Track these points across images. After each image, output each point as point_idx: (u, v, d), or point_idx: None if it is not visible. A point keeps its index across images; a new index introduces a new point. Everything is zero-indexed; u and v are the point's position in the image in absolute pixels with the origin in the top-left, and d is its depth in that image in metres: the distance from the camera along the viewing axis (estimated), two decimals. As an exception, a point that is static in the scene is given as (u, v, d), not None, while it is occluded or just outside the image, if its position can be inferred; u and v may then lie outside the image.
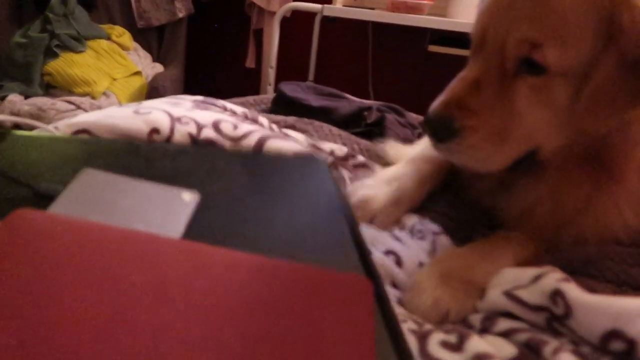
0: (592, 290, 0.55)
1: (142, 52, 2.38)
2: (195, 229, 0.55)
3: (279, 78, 2.17)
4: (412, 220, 0.69)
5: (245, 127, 0.72)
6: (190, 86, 2.52)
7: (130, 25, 2.39)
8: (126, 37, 2.28)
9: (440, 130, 0.60)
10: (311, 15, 2.26)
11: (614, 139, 0.59)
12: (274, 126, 0.85)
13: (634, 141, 0.60)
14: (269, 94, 1.26)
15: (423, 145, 0.81)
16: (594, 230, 0.65)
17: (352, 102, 1.10)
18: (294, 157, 0.77)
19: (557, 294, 0.50)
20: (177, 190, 0.58)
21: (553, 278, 0.52)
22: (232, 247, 0.55)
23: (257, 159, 0.73)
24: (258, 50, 2.59)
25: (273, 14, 2.31)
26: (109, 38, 2.21)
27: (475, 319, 0.55)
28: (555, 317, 0.50)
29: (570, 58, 0.55)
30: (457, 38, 1.90)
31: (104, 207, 0.53)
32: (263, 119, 0.85)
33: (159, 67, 2.38)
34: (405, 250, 0.63)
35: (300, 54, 2.54)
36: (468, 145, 0.59)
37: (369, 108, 1.05)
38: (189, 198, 0.58)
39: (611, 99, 0.54)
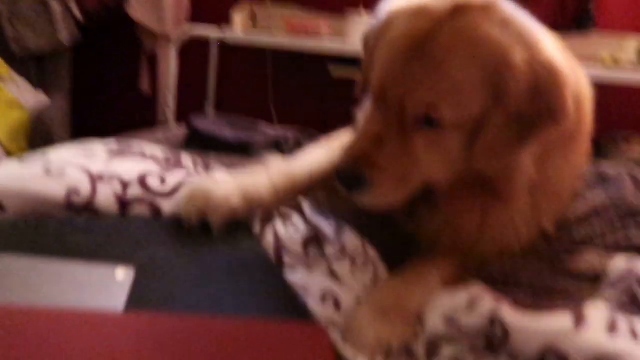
0: (514, 300, 0.60)
1: (22, 82, 2.17)
2: (135, 303, 0.52)
3: (176, 105, 2.11)
4: (353, 242, 0.69)
5: (172, 178, 0.69)
6: (79, 118, 2.34)
7: (3, 52, 2.16)
8: (-2, 64, 2.05)
9: (352, 185, 0.65)
10: (207, 40, 2.23)
11: (501, 169, 0.67)
12: (199, 162, 0.83)
13: (515, 169, 0.68)
14: (174, 129, 1.22)
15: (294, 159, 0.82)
16: (493, 247, 0.73)
17: (266, 133, 1.10)
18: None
19: (494, 319, 0.55)
20: (109, 269, 0.55)
21: (488, 303, 0.57)
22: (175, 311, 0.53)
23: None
24: (151, 77, 2.48)
25: (166, 37, 2.23)
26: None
27: (418, 346, 0.57)
28: (494, 339, 0.54)
29: (463, 114, 0.62)
30: (356, 58, 1.97)
31: (32, 295, 0.48)
32: (187, 160, 0.82)
33: (42, 99, 2.19)
34: (343, 291, 0.63)
35: (196, 80, 2.48)
36: (376, 195, 0.65)
37: (285, 138, 1.06)
38: (123, 276, 0.55)
39: (503, 144, 0.63)
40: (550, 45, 0.65)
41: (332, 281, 0.64)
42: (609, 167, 0.98)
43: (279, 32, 2.11)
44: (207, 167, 0.84)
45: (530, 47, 0.61)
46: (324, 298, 0.61)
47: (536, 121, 0.61)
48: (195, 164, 0.83)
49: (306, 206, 0.74)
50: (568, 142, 0.76)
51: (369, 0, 2.14)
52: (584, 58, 2.02)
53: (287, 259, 0.65)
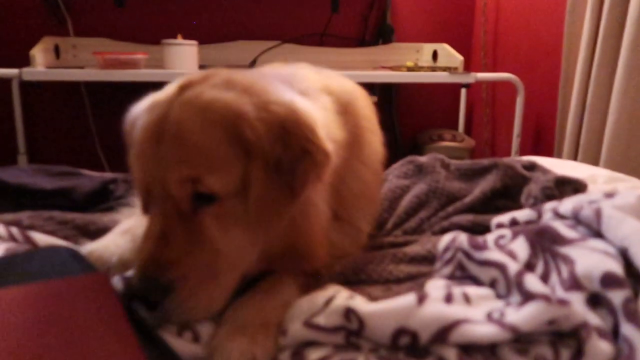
0: (368, 295, 0.64)
1: None
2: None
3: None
4: None
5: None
6: None
7: None
8: None
9: (152, 293, 0.58)
10: (5, 80, 1.98)
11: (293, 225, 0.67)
12: (14, 231, 0.72)
13: (308, 216, 0.69)
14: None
15: None
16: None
17: (92, 177, 1.00)
18: (36, 253, 0.66)
19: (349, 312, 0.56)
20: None
21: (342, 298, 0.59)
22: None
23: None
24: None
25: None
26: None
27: (284, 356, 0.57)
28: (352, 332, 0.56)
29: (229, 180, 0.60)
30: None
31: None
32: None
33: None
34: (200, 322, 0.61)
35: (0, 128, 2.19)
36: (186, 296, 0.58)
37: (114, 180, 0.98)
38: None
39: (273, 200, 0.61)
40: (284, 90, 0.67)
41: None
42: (424, 159, 1.10)
43: (90, 65, 1.97)
44: (24, 232, 0.73)
45: (258, 94, 0.63)
46: (180, 332, 0.58)
47: (295, 165, 0.61)
48: (8, 231, 0.72)
49: None
50: (356, 150, 0.81)
51: (185, 28, 2.14)
52: (391, 65, 2.31)
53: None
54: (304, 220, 0.68)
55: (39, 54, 1.85)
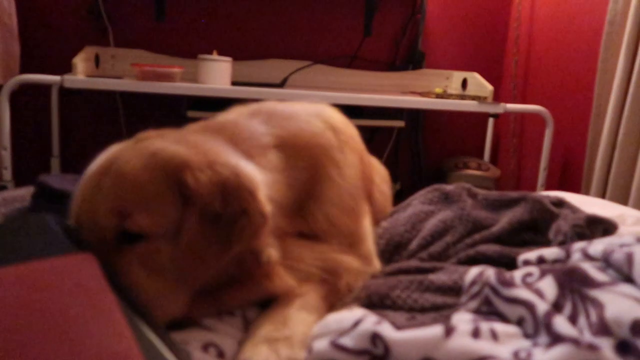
0: (392, 321, 0.64)
1: None
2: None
3: (13, 164, 1.89)
4: None
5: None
6: None
7: None
8: None
9: None
10: (45, 86, 2.05)
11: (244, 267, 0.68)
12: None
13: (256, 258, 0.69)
14: (15, 190, 1.09)
15: None
16: None
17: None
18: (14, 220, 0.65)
19: (375, 337, 0.58)
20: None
21: (370, 322, 0.60)
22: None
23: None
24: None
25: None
26: None
27: None
28: (376, 357, 0.57)
29: (161, 222, 0.61)
30: (213, 102, 1.98)
31: None
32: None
33: None
34: (222, 338, 0.63)
35: (37, 131, 2.26)
36: None
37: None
38: None
39: (204, 249, 0.62)
40: (231, 154, 0.69)
41: (207, 332, 0.64)
42: (451, 188, 1.10)
43: (127, 76, 2.03)
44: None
45: (205, 153, 0.65)
46: (205, 348, 0.61)
47: (232, 222, 0.62)
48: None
49: None
50: (317, 189, 0.81)
51: (221, 44, 2.20)
52: (420, 91, 2.32)
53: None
54: (238, 267, 0.68)
55: (81, 62, 1.92)
